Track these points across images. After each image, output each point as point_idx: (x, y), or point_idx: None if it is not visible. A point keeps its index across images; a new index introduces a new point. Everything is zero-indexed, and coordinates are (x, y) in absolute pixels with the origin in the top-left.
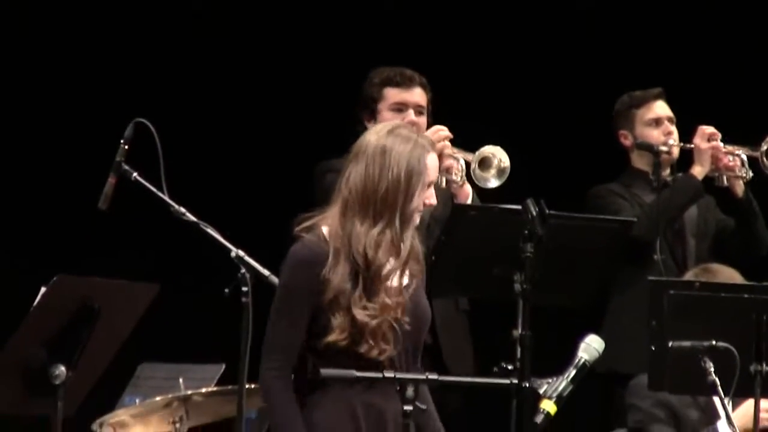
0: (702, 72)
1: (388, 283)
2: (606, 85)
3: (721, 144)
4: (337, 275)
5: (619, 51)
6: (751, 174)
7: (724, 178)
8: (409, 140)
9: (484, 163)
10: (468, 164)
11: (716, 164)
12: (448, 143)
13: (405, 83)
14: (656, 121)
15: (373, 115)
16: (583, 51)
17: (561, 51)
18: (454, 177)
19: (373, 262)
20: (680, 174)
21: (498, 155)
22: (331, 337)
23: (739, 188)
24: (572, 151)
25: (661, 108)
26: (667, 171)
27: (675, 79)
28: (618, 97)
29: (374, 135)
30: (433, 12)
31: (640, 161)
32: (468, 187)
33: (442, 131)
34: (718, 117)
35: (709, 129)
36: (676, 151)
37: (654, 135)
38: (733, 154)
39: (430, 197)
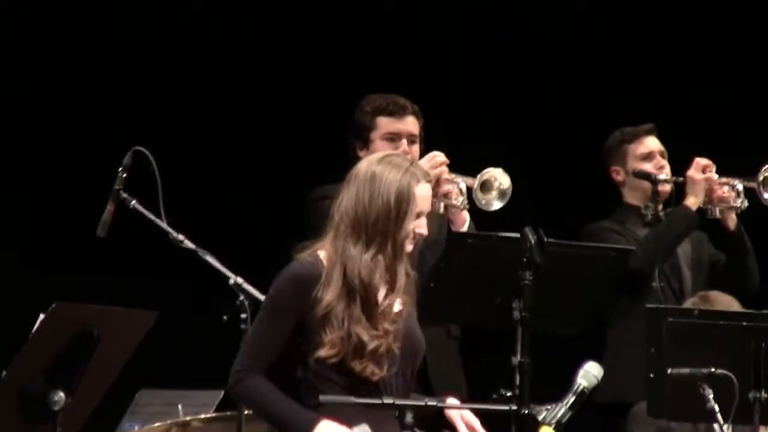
0: (696, 105)
1: (383, 308)
2: (603, 113)
3: (716, 176)
4: (330, 293)
5: (614, 82)
6: (746, 204)
7: (717, 210)
8: (400, 168)
9: (485, 186)
10: (469, 189)
11: (710, 196)
12: (445, 168)
13: (398, 112)
14: (648, 155)
15: (365, 145)
16: (580, 79)
17: (558, 78)
18: (453, 202)
19: (369, 285)
20: (674, 207)
21: (498, 177)
22: (322, 353)
23: (732, 222)
24: (571, 177)
25: (652, 142)
26: (660, 206)
27: (670, 112)
28: (613, 126)
29: (366, 162)
30: (431, 35)
31: (632, 196)
32: (465, 214)
33: (438, 157)
34: (710, 149)
35: (704, 161)
36: (667, 186)
37: (647, 169)
38: (727, 185)
39: (421, 227)
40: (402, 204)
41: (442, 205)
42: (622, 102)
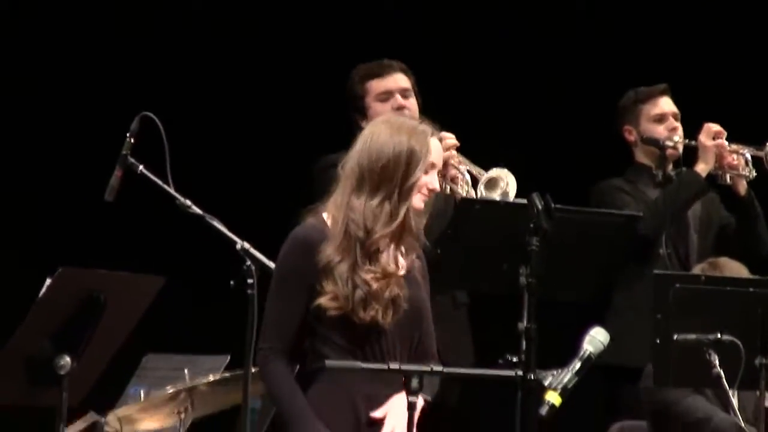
0: (709, 68)
1: (386, 256)
2: (610, 81)
3: (726, 142)
4: (330, 246)
5: (624, 46)
6: (754, 173)
7: (728, 176)
8: (412, 122)
9: (491, 183)
10: (475, 179)
11: (720, 162)
12: (454, 152)
13: (384, 72)
14: (661, 116)
15: (363, 112)
16: (587, 45)
17: (564, 44)
18: (458, 189)
19: (371, 231)
20: (684, 169)
21: (505, 179)
22: (322, 301)
23: (742, 187)
24: (577, 145)
25: (666, 104)
26: (671, 167)
27: (681, 75)
28: (622, 93)
29: (372, 123)
30: (431, 12)
31: (644, 156)
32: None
33: (449, 139)
34: (724, 115)
35: (715, 127)
36: (680, 148)
37: (658, 131)
38: (737, 153)
39: (433, 182)
40: (414, 151)
41: (448, 188)
42: (630, 69)
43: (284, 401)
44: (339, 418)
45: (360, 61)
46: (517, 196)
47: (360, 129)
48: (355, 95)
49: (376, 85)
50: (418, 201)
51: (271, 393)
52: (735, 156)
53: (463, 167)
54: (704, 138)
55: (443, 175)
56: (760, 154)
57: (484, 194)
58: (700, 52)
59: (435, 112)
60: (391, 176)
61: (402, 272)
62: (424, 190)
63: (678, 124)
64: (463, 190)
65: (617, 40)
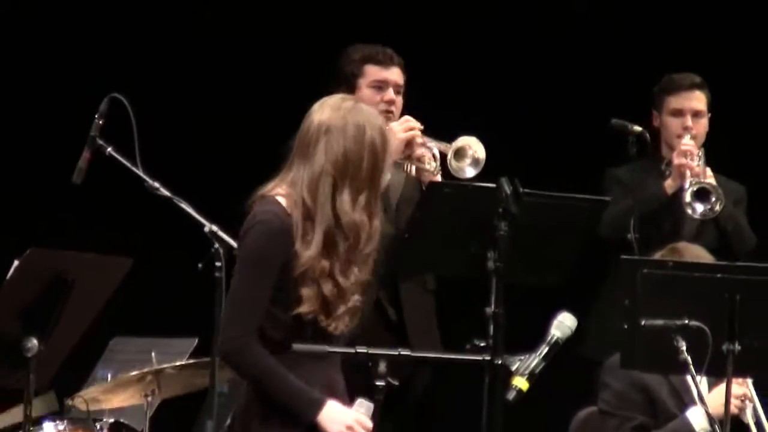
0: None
1: (363, 256)
2: (603, 71)
3: (694, 164)
4: (312, 248)
5: (629, 37)
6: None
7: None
8: (371, 111)
9: (460, 153)
10: (444, 155)
11: (682, 182)
12: (418, 132)
13: (386, 62)
14: (679, 111)
15: (351, 91)
16: (583, 37)
17: (560, 34)
18: (426, 166)
19: (358, 240)
20: (653, 186)
21: (473, 146)
22: (303, 309)
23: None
24: (553, 133)
25: (689, 100)
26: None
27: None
28: (616, 82)
29: (333, 111)
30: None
31: (664, 148)
32: (438, 179)
33: (410, 122)
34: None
35: (687, 146)
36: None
37: (673, 125)
38: (702, 174)
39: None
40: (384, 144)
41: (413, 168)
42: (635, 53)
43: (278, 379)
44: None
45: (337, 41)
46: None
47: None
48: (349, 72)
49: (375, 73)
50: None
51: (254, 377)
52: (700, 176)
53: (431, 144)
54: (675, 155)
55: (408, 156)
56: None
57: (454, 165)
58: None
59: (415, 98)
60: (371, 176)
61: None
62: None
63: (695, 122)
64: (431, 166)
65: (617, 32)
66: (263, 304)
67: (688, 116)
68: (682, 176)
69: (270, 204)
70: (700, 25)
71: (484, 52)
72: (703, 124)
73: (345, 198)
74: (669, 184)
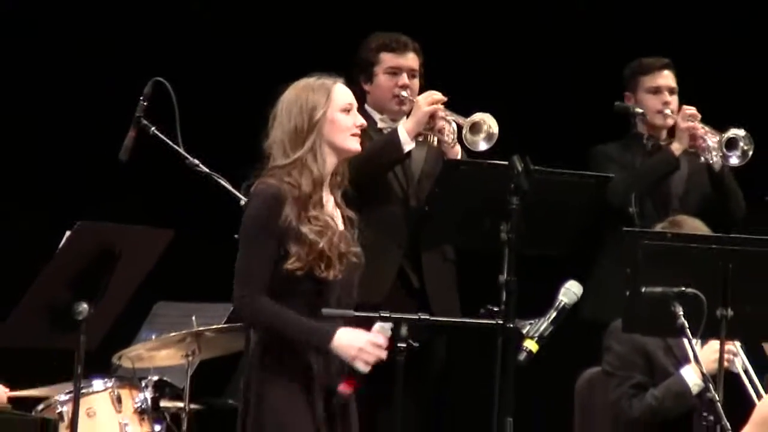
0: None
1: (327, 210)
2: (607, 48)
3: (700, 125)
4: (287, 206)
5: (626, 17)
6: (719, 158)
7: (702, 156)
8: (310, 79)
9: (475, 128)
10: (460, 128)
11: (693, 143)
12: (441, 106)
13: (400, 49)
14: (657, 89)
15: (369, 78)
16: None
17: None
18: (446, 138)
19: (302, 187)
20: (660, 150)
21: (488, 121)
22: (290, 264)
23: (717, 165)
24: (561, 111)
25: (664, 78)
26: (664, 135)
27: (679, 49)
28: (619, 60)
29: (285, 93)
30: None
31: (640, 125)
32: (458, 148)
33: (435, 95)
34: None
35: (690, 110)
36: (669, 121)
37: (652, 102)
38: (706, 136)
39: (357, 119)
40: (314, 99)
41: (435, 139)
42: (635, 34)
43: (288, 324)
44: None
45: (358, 26)
46: (502, 158)
47: (363, 90)
48: (367, 61)
49: (389, 60)
50: (353, 143)
51: (267, 324)
52: (704, 139)
53: (450, 118)
54: (680, 119)
55: (431, 128)
56: (717, 141)
57: (469, 138)
58: (699, 29)
59: (431, 75)
60: (302, 129)
61: (341, 226)
62: (354, 130)
63: (671, 99)
64: (450, 138)
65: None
66: (266, 266)
67: (666, 93)
68: (693, 137)
69: (263, 181)
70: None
71: (496, 43)
72: (676, 100)
73: (287, 159)
74: (676, 147)
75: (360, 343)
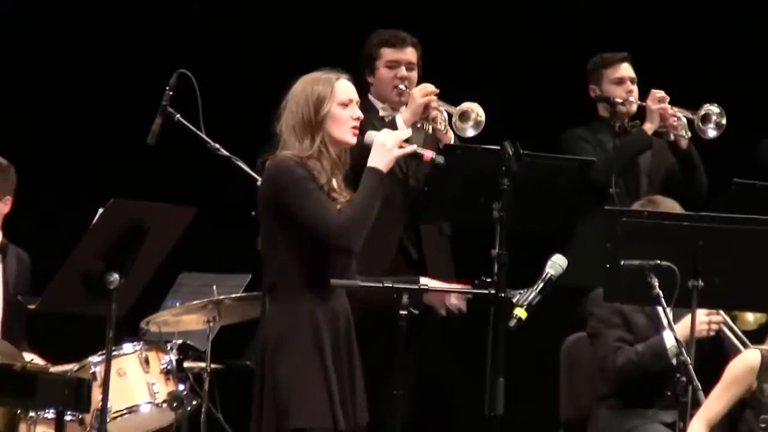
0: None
1: (335, 187)
2: (581, 40)
3: (669, 106)
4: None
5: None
6: (689, 134)
7: (671, 134)
8: (317, 73)
9: (464, 116)
10: (450, 116)
11: (663, 123)
12: (434, 97)
13: (398, 44)
14: (620, 80)
15: (372, 72)
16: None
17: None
18: (438, 126)
19: (309, 169)
20: (635, 127)
21: (475, 110)
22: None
23: (683, 142)
24: (544, 98)
25: (625, 70)
26: (626, 120)
27: (642, 42)
28: (581, 52)
29: (295, 85)
30: None
31: (604, 111)
32: (451, 134)
33: (428, 87)
34: (671, 80)
35: (660, 93)
36: (634, 107)
37: (617, 91)
38: (676, 115)
39: (355, 113)
40: (319, 91)
41: (430, 127)
42: (599, 33)
43: (363, 199)
44: (303, 332)
45: (368, 17)
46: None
47: (367, 84)
48: (370, 55)
49: (389, 54)
50: (349, 136)
51: (363, 219)
52: (675, 118)
53: (442, 107)
54: (650, 101)
55: (425, 117)
56: (693, 117)
57: (458, 125)
58: (662, 22)
59: (427, 66)
60: (309, 119)
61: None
62: (352, 123)
63: (634, 87)
64: (442, 125)
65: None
66: (327, 201)
67: (628, 82)
68: (663, 118)
69: (281, 155)
70: None
71: (484, 33)
72: (636, 88)
73: (295, 148)
74: (648, 127)
75: (394, 141)
